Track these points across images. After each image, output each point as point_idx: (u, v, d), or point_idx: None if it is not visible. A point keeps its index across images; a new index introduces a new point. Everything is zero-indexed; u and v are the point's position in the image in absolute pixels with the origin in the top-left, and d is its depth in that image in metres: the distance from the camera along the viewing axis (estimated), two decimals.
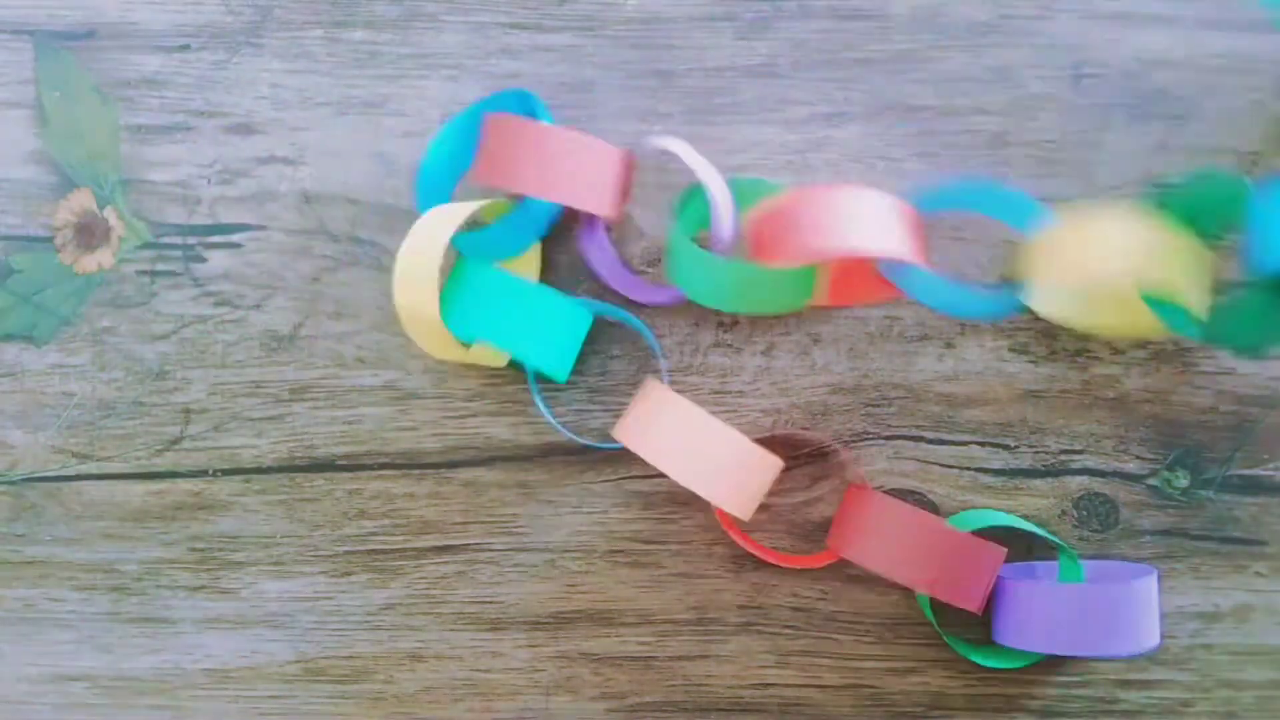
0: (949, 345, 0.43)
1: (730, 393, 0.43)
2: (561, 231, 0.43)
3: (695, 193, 0.41)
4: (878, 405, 0.43)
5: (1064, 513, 0.42)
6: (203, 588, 0.43)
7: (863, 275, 0.41)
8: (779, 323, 0.43)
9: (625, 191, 0.41)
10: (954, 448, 0.43)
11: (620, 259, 0.42)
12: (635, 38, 0.44)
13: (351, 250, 0.43)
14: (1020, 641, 0.39)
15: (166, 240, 0.43)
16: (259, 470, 0.43)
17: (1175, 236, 0.38)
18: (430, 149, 0.42)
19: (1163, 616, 0.42)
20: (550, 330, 0.40)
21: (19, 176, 0.43)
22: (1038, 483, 0.42)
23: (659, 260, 0.43)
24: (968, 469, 0.42)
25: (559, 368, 0.41)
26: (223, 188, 0.43)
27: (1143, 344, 0.42)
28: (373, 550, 0.43)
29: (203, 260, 0.43)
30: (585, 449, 0.43)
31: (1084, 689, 0.42)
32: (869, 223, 0.38)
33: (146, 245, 0.43)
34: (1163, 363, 0.42)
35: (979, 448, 0.42)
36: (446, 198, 0.42)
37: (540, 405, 0.41)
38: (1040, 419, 0.42)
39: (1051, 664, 0.42)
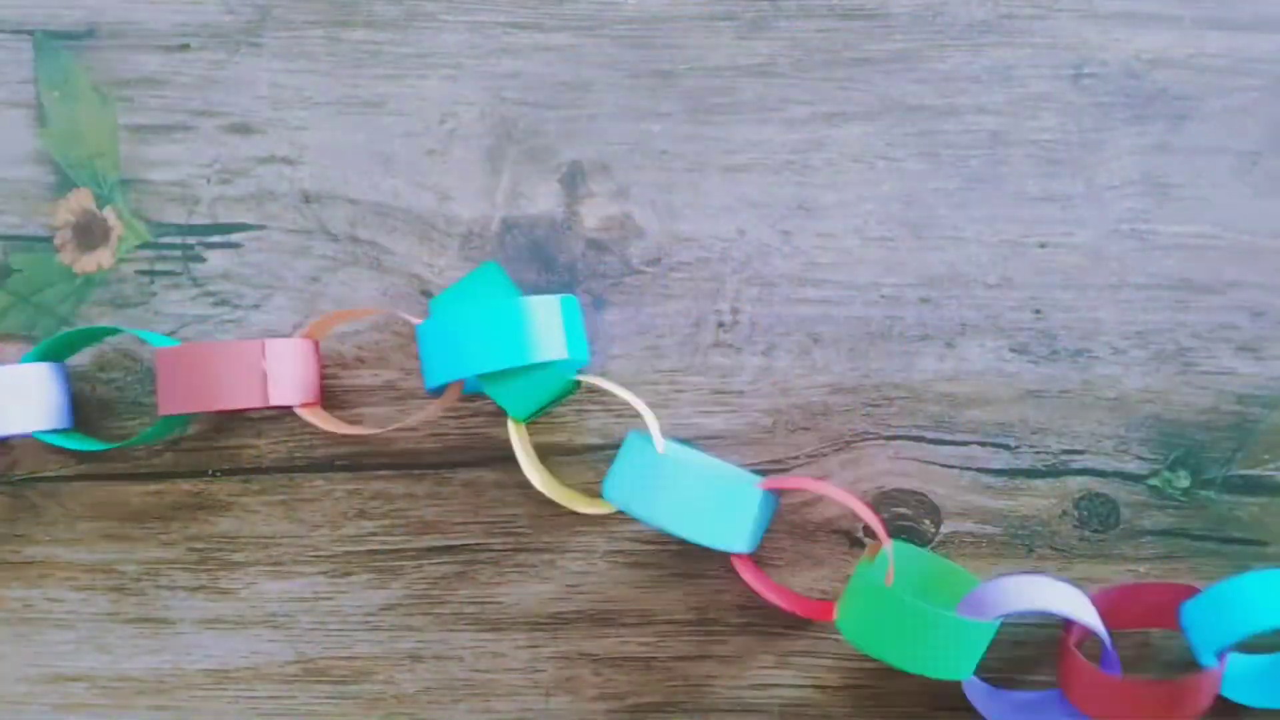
0: (950, 345, 0.42)
1: (730, 392, 0.42)
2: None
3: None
4: (878, 405, 0.42)
5: (1065, 513, 0.42)
6: (202, 588, 0.43)
7: None
8: (779, 322, 0.43)
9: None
10: (955, 448, 0.42)
11: None
12: (635, 37, 0.44)
13: (351, 250, 0.43)
14: None
15: (166, 240, 0.43)
16: (258, 470, 0.43)
17: None
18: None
19: None
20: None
21: (18, 176, 0.43)
22: (1038, 483, 0.42)
23: (658, 259, 0.43)
24: (968, 469, 0.42)
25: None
26: (222, 187, 0.43)
27: (1143, 344, 0.42)
28: (372, 550, 0.43)
29: (202, 260, 0.43)
30: (584, 448, 0.43)
31: None
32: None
33: (146, 245, 0.43)
34: (1163, 363, 0.42)
35: (980, 448, 0.42)
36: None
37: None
38: (1041, 419, 0.42)
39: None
